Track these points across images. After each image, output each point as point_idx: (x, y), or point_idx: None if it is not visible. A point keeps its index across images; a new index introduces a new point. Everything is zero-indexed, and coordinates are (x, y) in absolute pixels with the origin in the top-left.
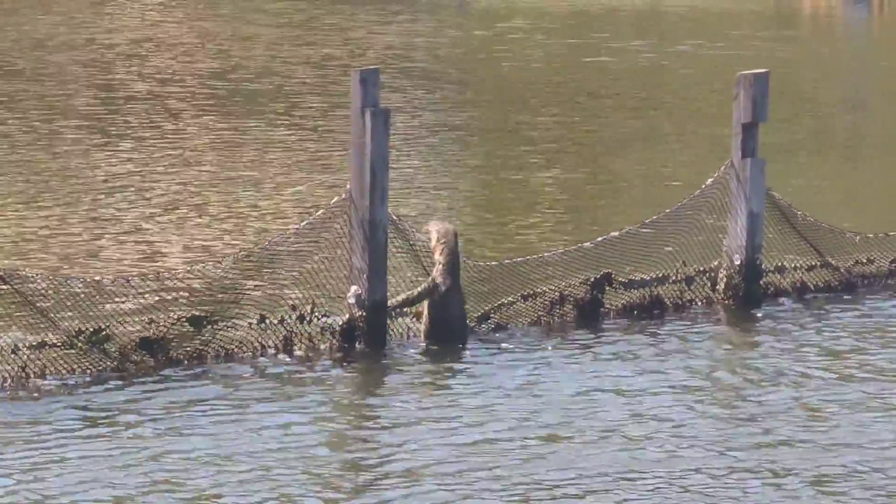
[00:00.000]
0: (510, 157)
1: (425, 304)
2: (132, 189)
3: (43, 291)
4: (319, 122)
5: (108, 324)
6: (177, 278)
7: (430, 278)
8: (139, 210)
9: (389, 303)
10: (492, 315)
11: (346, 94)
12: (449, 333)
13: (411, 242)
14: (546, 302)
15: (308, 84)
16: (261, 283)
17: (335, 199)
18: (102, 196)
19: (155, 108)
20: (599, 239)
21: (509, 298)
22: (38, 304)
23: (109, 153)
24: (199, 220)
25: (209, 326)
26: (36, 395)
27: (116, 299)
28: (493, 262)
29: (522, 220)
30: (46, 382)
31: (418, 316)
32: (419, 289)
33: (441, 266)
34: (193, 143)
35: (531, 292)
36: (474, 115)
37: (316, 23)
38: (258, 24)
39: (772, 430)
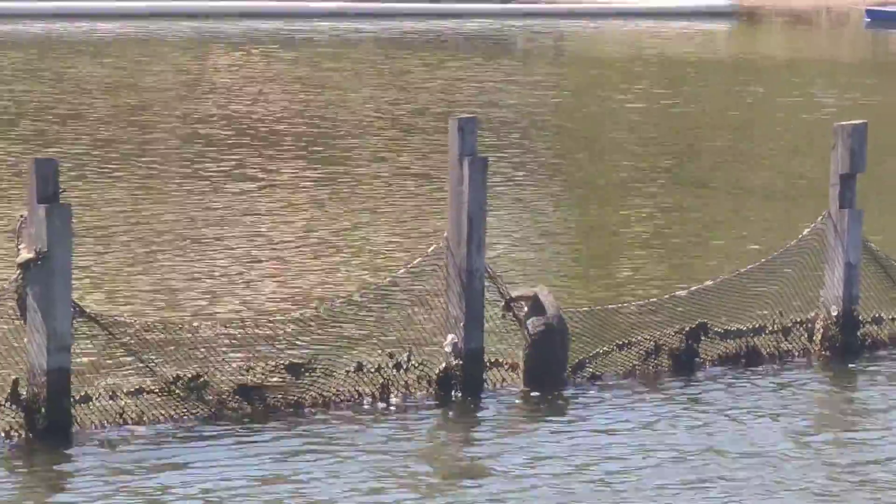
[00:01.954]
0: (604, 205)
1: (522, 350)
2: (230, 236)
3: (141, 337)
4: (417, 171)
5: (205, 370)
6: (275, 325)
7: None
8: (238, 256)
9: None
10: (587, 364)
11: (441, 143)
12: (549, 378)
13: (501, 292)
14: (641, 351)
15: (404, 132)
16: (359, 331)
17: (433, 247)
18: (198, 243)
19: (253, 154)
20: (694, 288)
21: (605, 348)
22: (135, 350)
23: (206, 199)
24: (298, 267)
25: (307, 374)
26: (132, 440)
27: (214, 346)
28: (586, 309)
29: (617, 268)
30: (143, 429)
31: (514, 367)
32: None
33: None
34: (291, 190)
35: (626, 342)
36: (570, 163)
37: (412, 72)
38: (348, 72)
39: (872, 482)
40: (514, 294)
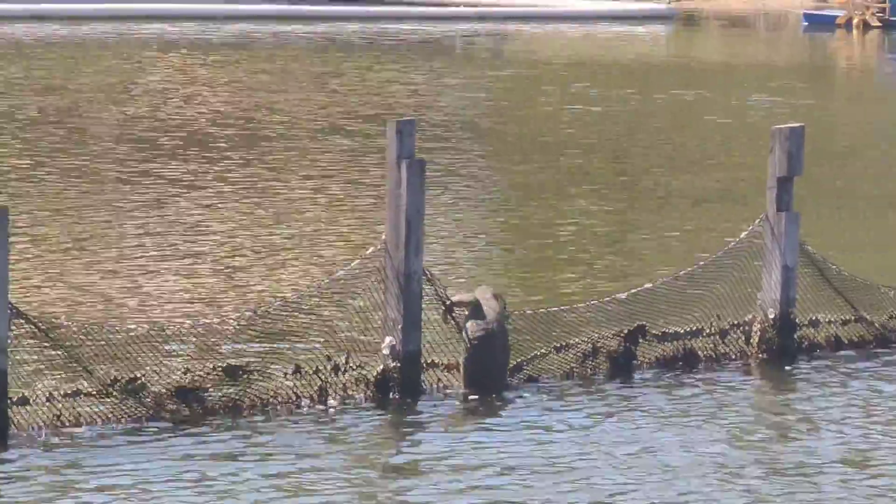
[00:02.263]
0: (544, 208)
1: (462, 353)
2: (167, 238)
3: (79, 340)
4: (355, 174)
5: (143, 373)
6: (212, 328)
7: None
8: (174, 260)
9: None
10: (524, 366)
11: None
12: (488, 381)
13: (440, 295)
14: (579, 354)
15: (343, 134)
16: (296, 334)
17: (370, 249)
18: (135, 246)
19: (187, 156)
20: (633, 290)
21: (542, 350)
22: (73, 353)
23: (141, 201)
24: (235, 270)
25: (245, 376)
26: (69, 442)
27: (151, 349)
28: (529, 311)
29: (555, 271)
30: (80, 430)
31: (451, 368)
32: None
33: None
34: (227, 193)
35: (564, 344)
36: (506, 165)
37: (350, 75)
38: (287, 74)
39: (806, 482)
40: (454, 298)
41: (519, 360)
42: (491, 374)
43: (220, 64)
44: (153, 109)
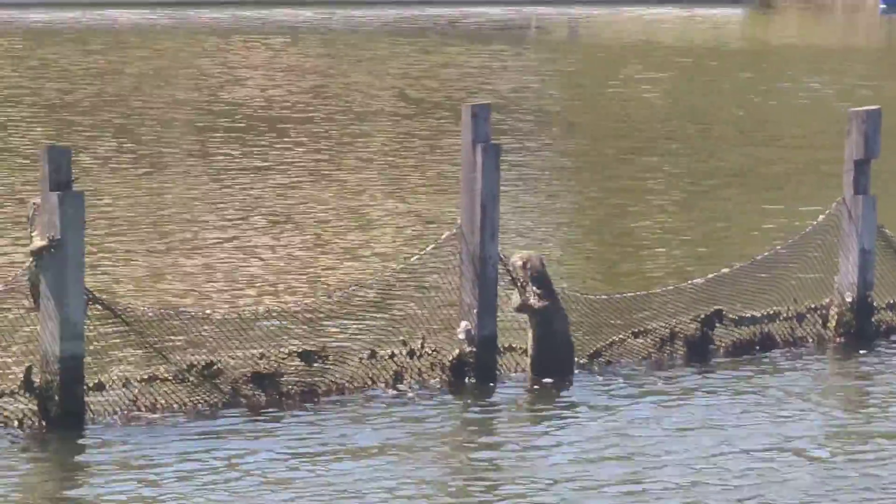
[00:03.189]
0: (621, 193)
1: (530, 335)
2: (239, 223)
3: (155, 326)
4: (431, 158)
5: (219, 358)
6: (289, 313)
7: (518, 299)
8: (248, 244)
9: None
10: (602, 352)
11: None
12: (556, 361)
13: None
14: (656, 339)
15: (420, 119)
16: (373, 318)
17: (446, 234)
18: (210, 231)
19: (259, 142)
20: (710, 276)
21: (620, 335)
22: (149, 339)
23: (217, 187)
24: (311, 255)
25: (320, 361)
26: (146, 429)
27: (228, 334)
28: (604, 297)
29: (634, 256)
30: (156, 416)
31: (527, 351)
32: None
33: (533, 291)
34: (302, 178)
35: (642, 329)
36: (585, 151)
37: (431, 61)
38: (367, 60)
39: (884, 465)
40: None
41: (597, 345)
42: (556, 351)
43: (283, 49)
44: (213, 93)
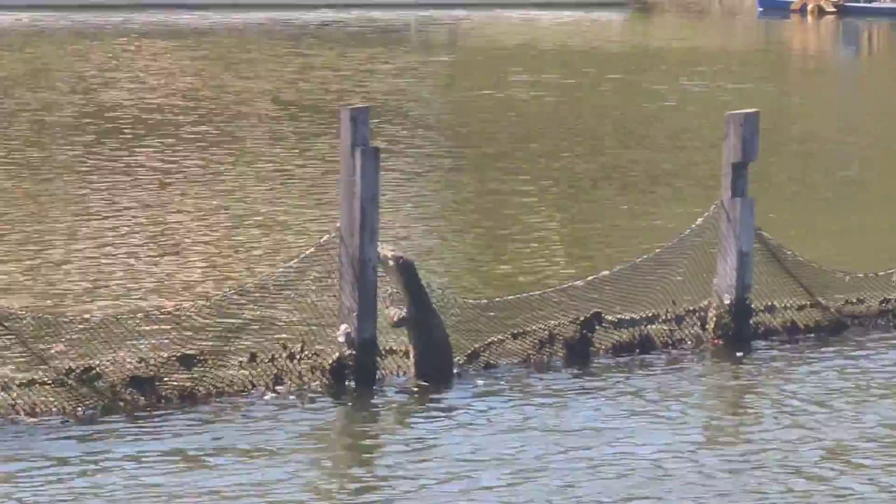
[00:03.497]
0: (500, 195)
1: (407, 339)
2: (122, 228)
3: (34, 330)
4: (309, 161)
5: (98, 362)
6: (168, 317)
7: (394, 314)
8: (129, 249)
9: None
10: (481, 354)
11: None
12: (435, 364)
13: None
14: (535, 341)
15: (295, 122)
16: (251, 322)
17: (325, 237)
18: (89, 235)
19: (141, 144)
20: (590, 278)
21: (499, 337)
22: (28, 343)
23: (96, 189)
24: (189, 259)
25: (199, 365)
26: (23, 432)
27: (107, 338)
28: (484, 301)
29: (512, 258)
30: (35, 420)
31: (408, 353)
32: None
33: (405, 300)
34: (181, 179)
35: (521, 331)
36: (464, 153)
37: (308, 63)
38: (244, 64)
39: (760, 468)
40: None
41: (475, 346)
42: (434, 354)
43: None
44: (95, 96)
